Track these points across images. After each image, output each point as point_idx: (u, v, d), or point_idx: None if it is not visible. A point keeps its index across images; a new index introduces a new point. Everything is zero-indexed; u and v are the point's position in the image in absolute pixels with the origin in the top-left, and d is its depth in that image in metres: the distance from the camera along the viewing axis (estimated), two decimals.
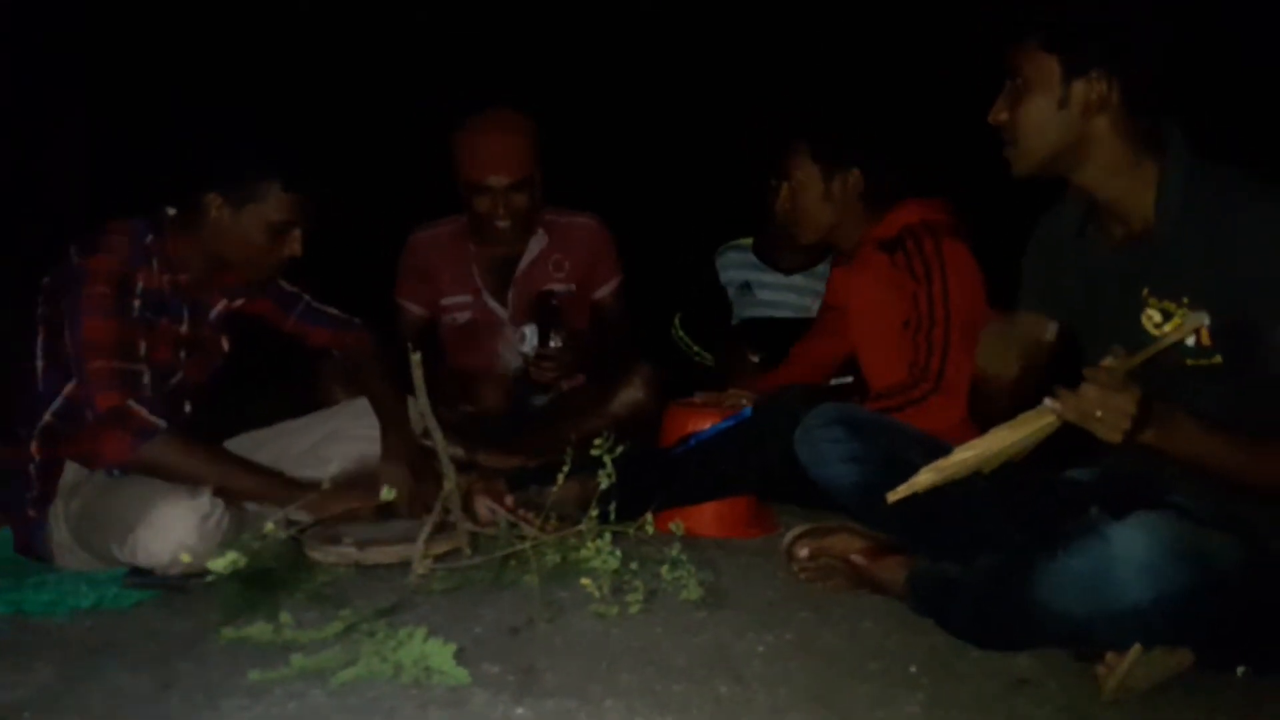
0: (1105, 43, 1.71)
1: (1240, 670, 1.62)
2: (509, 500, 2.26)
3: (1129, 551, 1.50)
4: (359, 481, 2.28)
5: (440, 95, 3.17)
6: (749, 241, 3.50)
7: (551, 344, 2.85)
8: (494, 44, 5.55)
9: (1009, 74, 1.79)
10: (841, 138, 2.67)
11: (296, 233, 2.23)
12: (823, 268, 3.35)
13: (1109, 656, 1.54)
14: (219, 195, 2.17)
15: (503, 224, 2.94)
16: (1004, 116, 1.79)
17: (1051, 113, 1.74)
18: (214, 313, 2.33)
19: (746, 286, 3.44)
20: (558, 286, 3.01)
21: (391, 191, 4.54)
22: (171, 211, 2.23)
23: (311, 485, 2.15)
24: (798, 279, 3.40)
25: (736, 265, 3.49)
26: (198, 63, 5.06)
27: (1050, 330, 1.89)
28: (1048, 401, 1.60)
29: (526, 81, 3.40)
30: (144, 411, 2.07)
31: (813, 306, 3.33)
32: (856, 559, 1.99)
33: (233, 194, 2.17)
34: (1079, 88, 1.73)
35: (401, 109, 5.16)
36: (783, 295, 3.39)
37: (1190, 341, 1.68)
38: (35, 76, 4.56)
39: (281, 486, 2.17)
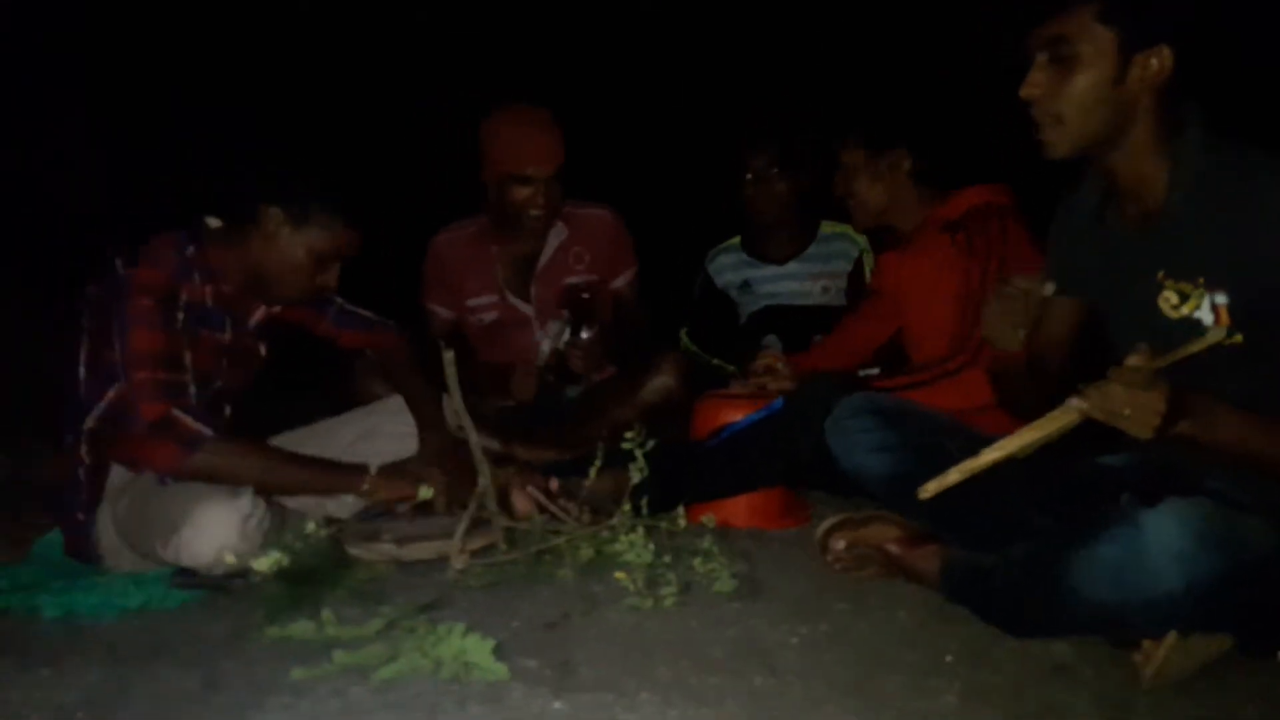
0: (1167, 16, 1.64)
1: None
2: (554, 484, 2.27)
3: (1161, 538, 1.48)
4: (402, 469, 2.31)
5: (443, 96, 3.18)
6: (736, 241, 3.51)
7: (584, 334, 2.88)
8: (499, 43, 5.53)
9: (1047, 46, 1.68)
10: (885, 119, 2.70)
11: (337, 266, 2.28)
12: (814, 249, 3.38)
13: (1146, 644, 1.53)
14: (281, 211, 2.20)
15: (537, 213, 2.96)
16: (1039, 93, 1.70)
17: (1106, 89, 1.66)
18: (253, 320, 2.37)
19: (746, 285, 3.45)
20: (579, 278, 3.04)
21: (406, 193, 4.55)
22: (215, 223, 2.26)
23: (359, 469, 2.22)
24: (792, 266, 3.40)
25: (731, 267, 3.49)
26: (196, 61, 5.06)
27: (1048, 289, 1.81)
28: (1074, 401, 1.58)
29: (531, 81, 3.40)
30: (189, 420, 2.10)
31: (813, 291, 3.35)
32: (891, 548, 1.98)
33: (295, 212, 2.20)
34: (1137, 63, 1.65)
35: (405, 110, 5.16)
36: (783, 285, 3.40)
37: (1209, 321, 1.65)
38: (35, 76, 4.59)
39: (332, 475, 2.23)
